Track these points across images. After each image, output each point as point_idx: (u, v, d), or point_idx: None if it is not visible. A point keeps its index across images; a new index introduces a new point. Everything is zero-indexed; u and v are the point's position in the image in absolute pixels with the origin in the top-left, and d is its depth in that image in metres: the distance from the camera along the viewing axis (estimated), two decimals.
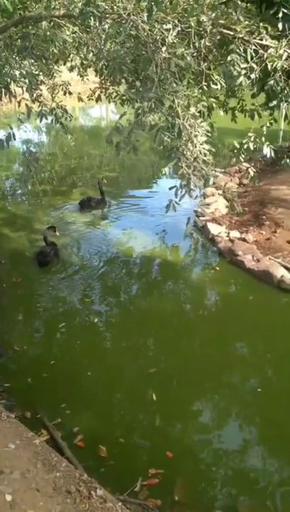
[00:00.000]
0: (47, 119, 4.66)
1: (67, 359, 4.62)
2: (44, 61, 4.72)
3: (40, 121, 4.77)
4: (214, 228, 7.17)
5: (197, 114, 3.66)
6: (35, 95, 4.89)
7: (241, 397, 4.14)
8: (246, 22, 4.21)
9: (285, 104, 4.41)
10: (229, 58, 4.16)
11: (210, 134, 3.79)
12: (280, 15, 3.76)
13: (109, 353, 4.79)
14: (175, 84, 3.48)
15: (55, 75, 5.74)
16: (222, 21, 4.22)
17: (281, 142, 11.23)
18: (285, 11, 3.74)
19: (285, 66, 4.16)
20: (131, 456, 3.52)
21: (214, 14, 4.18)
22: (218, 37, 4.31)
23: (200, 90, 4.13)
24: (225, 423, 3.86)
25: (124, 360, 4.60)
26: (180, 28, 3.84)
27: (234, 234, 6.95)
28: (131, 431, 3.76)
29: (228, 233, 7.01)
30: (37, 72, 4.83)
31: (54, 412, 3.91)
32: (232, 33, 4.24)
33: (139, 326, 5.21)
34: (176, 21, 3.89)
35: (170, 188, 3.63)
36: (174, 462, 3.43)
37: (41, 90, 5.24)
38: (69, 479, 2.88)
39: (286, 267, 5.86)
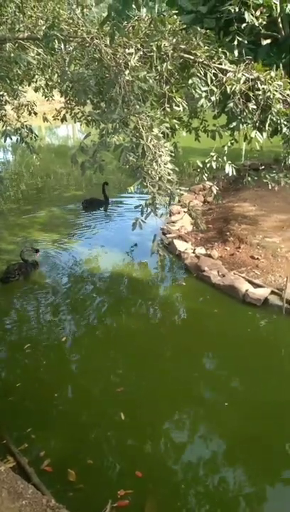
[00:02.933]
0: (11, 138, 4.65)
1: (33, 381, 4.52)
2: (8, 81, 4.74)
3: (5, 141, 4.75)
4: (180, 245, 7.28)
5: (161, 135, 3.76)
6: None
7: (209, 413, 4.16)
8: (206, 47, 4.40)
9: (244, 126, 4.59)
10: (190, 81, 4.32)
11: (173, 154, 3.89)
12: (236, 42, 3.96)
13: (76, 373, 4.72)
14: (138, 106, 3.57)
15: (19, 95, 5.75)
16: (182, 46, 4.39)
17: (243, 161, 11.61)
18: (240, 39, 3.95)
19: (243, 89, 4.36)
20: (101, 478, 3.45)
21: (175, 39, 4.35)
22: (180, 61, 4.47)
23: (163, 112, 4.25)
24: (195, 440, 3.85)
25: (91, 380, 4.54)
26: (142, 52, 3.97)
27: (200, 250, 7.08)
28: (99, 452, 3.70)
29: (194, 250, 7.14)
30: (1, 93, 4.83)
31: (20, 436, 3.80)
32: (192, 57, 4.41)
33: (107, 344, 5.18)
34: (139, 46, 4.02)
35: (136, 207, 3.67)
36: (144, 482, 3.39)
37: (5, 110, 5.23)
38: (36, 506, 2.80)
39: (250, 282, 6.01)
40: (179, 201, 8.55)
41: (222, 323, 5.48)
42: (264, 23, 4.59)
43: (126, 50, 3.70)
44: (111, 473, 3.52)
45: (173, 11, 4.50)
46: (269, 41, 8.07)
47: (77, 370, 4.77)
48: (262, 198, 8.68)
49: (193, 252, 7.05)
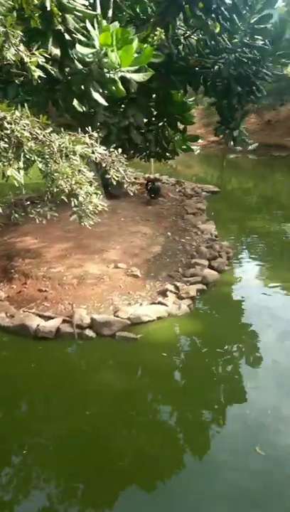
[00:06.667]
0: None
1: None
2: None
3: None
4: None
5: None
6: None
7: (19, 473, 3.89)
8: None
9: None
10: None
11: None
12: None
13: None
14: None
15: None
16: None
17: (24, 194, 11.51)
18: None
19: None
20: None
21: None
22: None
23: None
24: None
25: None
26: None
27: None
28: None
29: None
30: None
31: None
32: None
33: None
34: None
35: None
36: None
37: None
38: None
39: (40, 316, 5.96)
40: None
41: (14, 365, 5.25)
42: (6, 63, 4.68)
43: None
44: None
45: None
46: (21, 79, 8.28)
47: None
48: (44, 229, 8.75)
49: None
